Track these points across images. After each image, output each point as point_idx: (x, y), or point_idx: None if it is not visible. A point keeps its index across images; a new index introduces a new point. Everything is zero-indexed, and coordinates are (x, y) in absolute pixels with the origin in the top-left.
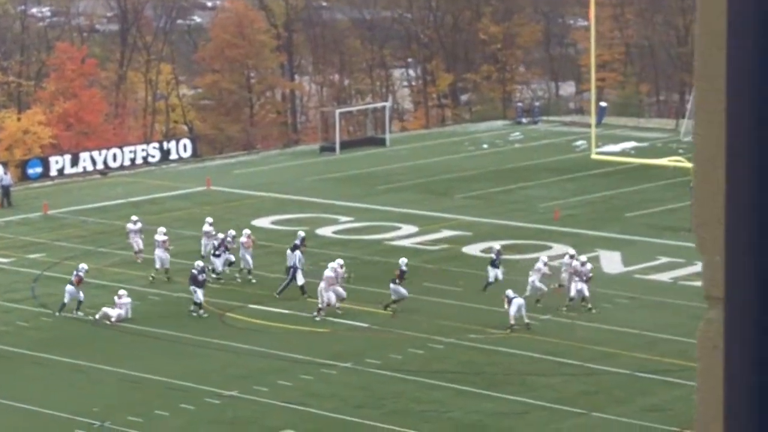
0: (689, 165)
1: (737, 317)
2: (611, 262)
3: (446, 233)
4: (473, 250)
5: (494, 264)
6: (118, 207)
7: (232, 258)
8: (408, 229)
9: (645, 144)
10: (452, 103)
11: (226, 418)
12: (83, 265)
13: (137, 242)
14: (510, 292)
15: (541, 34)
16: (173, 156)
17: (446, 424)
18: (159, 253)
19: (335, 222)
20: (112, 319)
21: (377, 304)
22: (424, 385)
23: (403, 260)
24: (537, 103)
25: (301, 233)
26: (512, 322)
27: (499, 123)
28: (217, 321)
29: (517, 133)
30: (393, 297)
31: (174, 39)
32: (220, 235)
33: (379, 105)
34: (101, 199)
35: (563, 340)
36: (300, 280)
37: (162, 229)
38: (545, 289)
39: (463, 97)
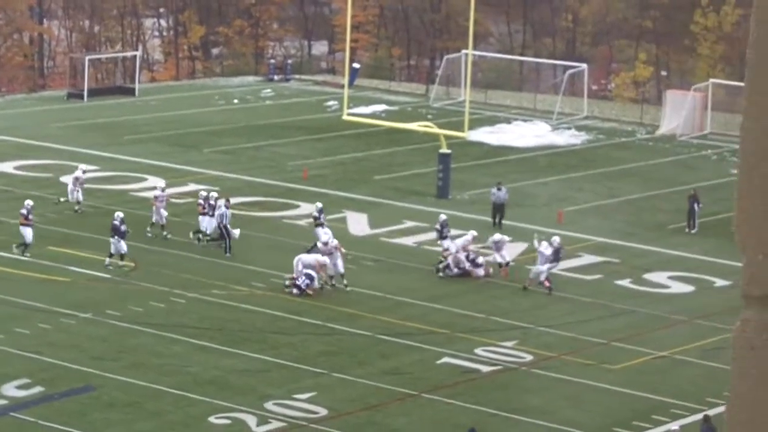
0: (438, 130)
1: None
2: (358, 223)
3: (193, 187)
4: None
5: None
6: None
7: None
8: (154, 180)
9: (395, 107)
10: (203, 56)
11: None
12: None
13: None
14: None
15: None
16: None
17: (186, 379)
18: None
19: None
20: None
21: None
22: (165, 339)
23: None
24: (289, 61)
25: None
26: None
27: (251, 79)
28: None
29: (269, 90)
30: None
31: None
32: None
33: (129, 54)
34: None
35: (305, 299)
36: (235, 234)
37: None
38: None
39: (215, 51)
